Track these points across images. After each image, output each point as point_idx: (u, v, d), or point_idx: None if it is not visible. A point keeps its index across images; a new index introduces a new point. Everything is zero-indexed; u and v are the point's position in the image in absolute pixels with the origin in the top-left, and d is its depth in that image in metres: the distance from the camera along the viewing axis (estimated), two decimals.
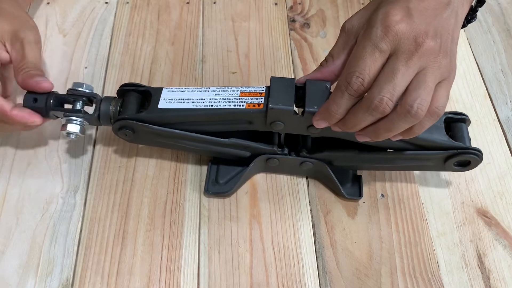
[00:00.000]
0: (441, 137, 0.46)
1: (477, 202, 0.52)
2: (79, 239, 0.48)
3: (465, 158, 0.46)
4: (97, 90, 0.58)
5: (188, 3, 0.68)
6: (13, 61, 0.48)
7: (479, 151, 0.46)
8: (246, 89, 0.45)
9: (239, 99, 0.45)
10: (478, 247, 0.49)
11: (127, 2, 0.67)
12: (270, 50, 0.63)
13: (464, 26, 0.45)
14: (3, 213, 0.49)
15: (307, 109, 0.42)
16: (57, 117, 0.48)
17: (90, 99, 0.48)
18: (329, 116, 0.41)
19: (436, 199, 0.52)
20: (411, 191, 0.52)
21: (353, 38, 0.42)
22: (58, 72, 0.59)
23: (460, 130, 0.47)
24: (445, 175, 0.53)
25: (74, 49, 0.62)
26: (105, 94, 0.57)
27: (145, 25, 0.65)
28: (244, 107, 0.44)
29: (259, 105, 0.44)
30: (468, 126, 0.48)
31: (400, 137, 0.41)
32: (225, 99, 0.45)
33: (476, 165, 0.47)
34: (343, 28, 0.43)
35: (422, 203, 0.51)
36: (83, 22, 0.65)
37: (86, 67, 0.60)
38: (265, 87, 0.45)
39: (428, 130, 0.44)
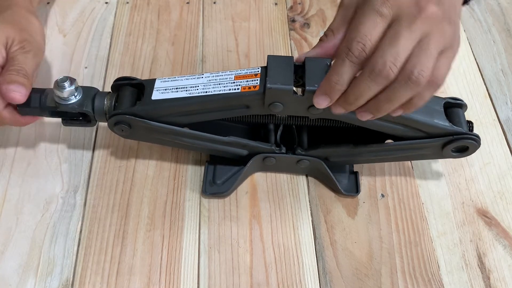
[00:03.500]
0: (443, 122, 0.45)
1: (477, 202, 0.52)
2: (79, 239, 0.48)
3: (463, 143, 0.46)
4: None
5: (188, 3, 0.68)
6: (6, 62, 0.46)
7: (477, 136, 0.45)
8: (240, 71, 0.44)
9: (234, 82, 0.43)
10: (478, 247, 0.49)
11: (127, 2, 0.67)
12: (270, 50, 0.63)
13: (465, 2, 0.45)
14: (3, 213, 0.49)
15: (307, 87, 0.40)
16: (48, 115, 0.47)
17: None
18: (330, 89, 0.38)
19: (436, 199, 0.52)
20: (411, 191, 0.52)
21: (353, 12, 0.40)
22: (58, 72, 0.59)
23: (457, 116, 0.47)
24: (445, 175, 0.53)
25: (74, 49, 0.62)
26: None
27: (145, 25, 0.65)
28: (239, 90, 0.42)
29: (254, 87, 0.42)
30: (465, 111, 0.48)
31: (400, 112, 0.39)
32: (219, 84, 0.43)
33: (474, 151, 0.47)
34: (341, 3, 0.41)
35: (422, 203, 0.51)
36: (83, 22, 0.65)
37: (86, 67, 0.60)
38: (260, 67, 0.43)
39: (429, 115, 0.44)
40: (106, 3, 0.67)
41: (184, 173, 0.52)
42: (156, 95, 0.44)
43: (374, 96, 0.38)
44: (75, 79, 0.45)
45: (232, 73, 0.44)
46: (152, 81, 0.46)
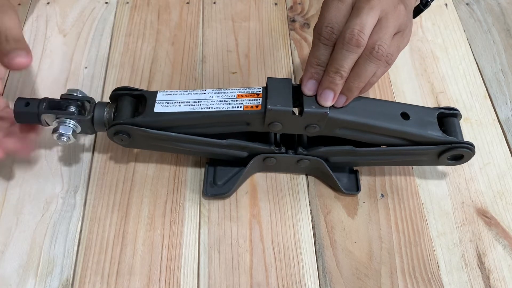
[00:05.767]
0: (436, 133, 0.46)
1: (477, 202, 0.52)
2: (79, 239, 0.48)
3: (458, 152, 0.47)
4: (97, 90, 0.58)
5: (188, 3, 0.68)
6: None
7: (472, 144, 0.47)
8: (243, 90, 0.45)
9: (236, 100, 0.44)
10: (478, 247, 0.49)
11: (127, 2, 0.67)
12: (270, 50, 0.63)
13: (426, 4, 0.51)
14: (3, 213, 0.49)
15: (305, 109, 0.43)
16: (49, 125, 0.47)
17: (84, 104, 0.47)
18: (313, 70, 0.43)
19: (436, 199, 0.52)
20: (411, 191, 0.52)
21: None
22: (58, 72, 0.59)
23: (453, 125, 0.48)
24: (445, 175, 0.53)
25: (74, 49, 0.62)
26: (105, 95, 0.58)
27: (145, 25, 0.65)
28: (241, 108, 0.44)
29: (256, 106, 0.44)
30: (460, 120, 0.49)
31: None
32: (222, 101, 0.45)
33: (469, 159, 0.48)
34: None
35: (422, 203, 0.51)
36: (83, 22, 0.65)
37: (86, 67, 0.60)
38: (261, 88, 0.45)
39: (423, 127, 0.45)
40: (106, 3, 0.67)
41: (184, 173, 0.52)
42: (158, 108, 0.45)
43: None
44: (67, 121, 0.46)
45: (235, 91, 0.45)
46: (154, 93, 0.46)
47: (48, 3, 0.67)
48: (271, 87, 0.44)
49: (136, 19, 0.66)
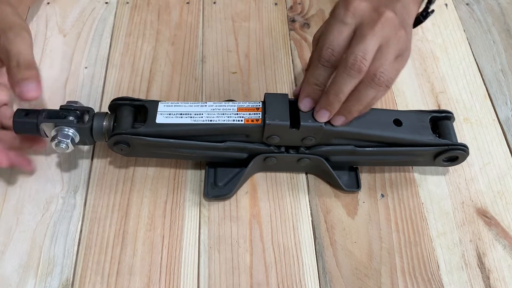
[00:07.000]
0: (428, 137, 0.48)
1: (477, 202, 0.52)
2: (79, 239, 0.48)
3: (452, 154, 0.48)
4: (97, 90, 0.58)
5: (188, 3, 0.68)
6: (4, 62, 0.44)
7: (466, 146, 0.48)
8: (243, 104, 0.47)
9: (237, 114, 0.46)
10: (478, 247, 0.49)
11: (127, 2, 0.67)
12: (270, 50, 0.63)
13: (424, 18, 0.51)
14: (3, 213, 0.49)
15: (302, 123, 0.44)
16: (47, 136, 0.47)
17: (82, 114, 0.47)
18: (311, 89, 0.44)
19: (436, 199, 0.52)
20: (411, 191, 0.52)
21: None
22: (58, 72, 0.59)
23: (447, 128, 0.49)
24: (445, 175, 0.53)
25: (74, 49, 0.62)
26: (105, 95, 0.58)
27: (145, 25, 0.65)
28: (242, 122, 0.45)
29: (257, 120, 0.45)
30: (453, 122, 0.50)
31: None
32: (223, 114, 0.46)
33: (463, 160, 0.50)
34: (314, 40, 0.46)
35: (422, 203, 0.51)
36: (83, 22, 0.65)
37: (86, 67, 0.60)
38: (260, 102, 0.47)
39: (415, 131, 0.47)
40: (106, 3, 0.67)
41: (184, 173, 0.52)
42: (160, 119, 0.46)
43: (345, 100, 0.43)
44: (66, 129, 0.46)
45: (235, 104, 0.47)
46: (155, 104, 0.47)
47: (48, 3, 0.67)
48: (269, 102, 0.46)
49: (136, 19, 0.66)
